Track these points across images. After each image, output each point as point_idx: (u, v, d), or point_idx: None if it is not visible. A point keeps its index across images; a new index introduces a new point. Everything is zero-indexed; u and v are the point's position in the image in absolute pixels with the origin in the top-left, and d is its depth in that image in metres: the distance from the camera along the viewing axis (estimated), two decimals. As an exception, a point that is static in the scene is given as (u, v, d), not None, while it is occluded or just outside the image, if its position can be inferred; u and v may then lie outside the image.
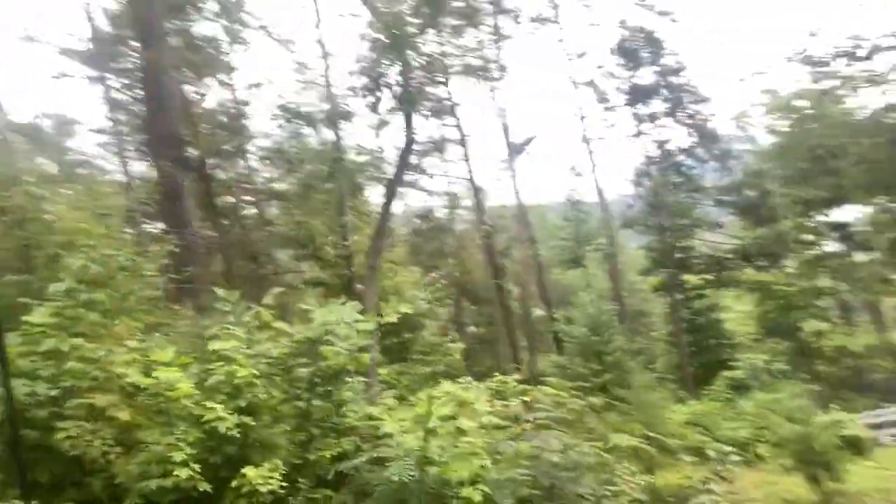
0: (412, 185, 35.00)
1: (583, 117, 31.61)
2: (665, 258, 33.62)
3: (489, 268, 27.94)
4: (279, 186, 24.30)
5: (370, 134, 27.65)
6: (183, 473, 5.60)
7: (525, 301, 33.12)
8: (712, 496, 8.15)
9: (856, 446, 27.56)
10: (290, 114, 23.65)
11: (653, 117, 32.37)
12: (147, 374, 6.42)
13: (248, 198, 31.09)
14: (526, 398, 7.56)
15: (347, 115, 13.15)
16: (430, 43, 11.68)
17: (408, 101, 10.88)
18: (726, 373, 33.57)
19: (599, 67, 33.17)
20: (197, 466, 5.81)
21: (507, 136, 31.91)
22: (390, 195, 11.70)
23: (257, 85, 23.01)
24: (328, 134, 23.18)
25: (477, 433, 6.95)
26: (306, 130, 23.02)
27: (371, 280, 10.11)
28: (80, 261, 7.11)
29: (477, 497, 6.30)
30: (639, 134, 32.49)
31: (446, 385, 8.38)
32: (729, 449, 9.76)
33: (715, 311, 36.48)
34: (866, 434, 29.45)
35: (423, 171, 34.83)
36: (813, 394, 32.03)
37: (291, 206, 16.53)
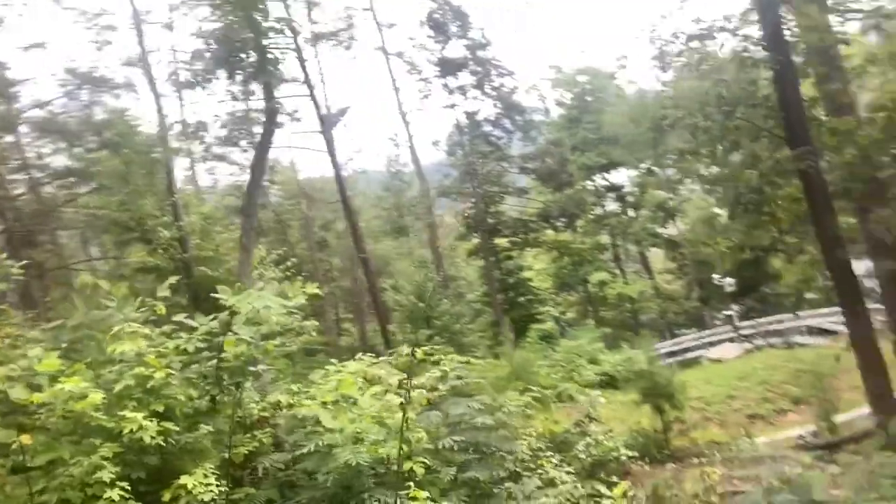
0: (223, 158, 32.82)
1: (397, 88, 31.93)
2: (478, 224, 35.62)
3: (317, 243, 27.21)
4: (72, 163, 21.22)
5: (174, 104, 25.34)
6: (115, 495, 4.91)
7: (351, 272, 33.06)
8: (594, 436, 9.15)
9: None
10: (82, 79, 20.67)
11: (462, 89, 33.71)
12: (34, 388, 5.44)
13: (19, 175, 26.68)
14: (444, 368, 7.73)
15: (203, 81, 11.82)
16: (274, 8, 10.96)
17: (263, 69, 10.17)
18: (535, 326, 36.92)
19: (410, 39, 33.66)
20: (125, 484, 5.13)
21: (324, 106, 31.10)
22: (258, 171, 10.90)
23: (39, 45, 19.58)
24: (130, 103, 20.67)
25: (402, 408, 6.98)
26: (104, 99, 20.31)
27: (245, 262, 9.41)
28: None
29: (419, 469, 6.38)
30: (451, 105, 33.71)
31: (351, 364, 8.27)
32: (597, 393, 10.99)
33: (522, 270, 39.69)
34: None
35: (234, 143, 32.80)
36: (605, 337, 36.66)
37: (105, 185, 14.47)
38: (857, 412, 17.14)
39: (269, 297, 6.33)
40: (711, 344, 38.22)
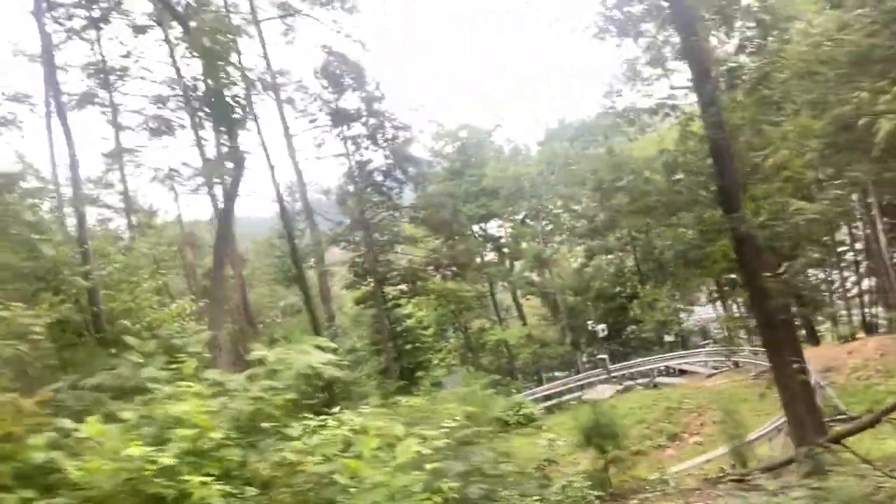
0: (93, 200, 30.37)
1: (290, 135, 31.52)
2: (368, 272, 35.69)
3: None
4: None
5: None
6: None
7: (236, 321, 31.48)
8: (568, 479, 9.66)
9: (532, 420, 33.42)
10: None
11: (355, 140, 34.11)
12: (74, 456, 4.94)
13: None
14: (452, 419, 7.88)
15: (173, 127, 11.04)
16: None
17: (229, 117, 9.95)
18: (423, 373, 37.28)
19: (302, 88, 33.56)
20: (198, 556, 4.79)
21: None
22: (227, 220, 10.43)
23: None
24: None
25: (427, 458, 7.09)
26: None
27: (218, 314, 8.91)
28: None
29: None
30: (344, 154, 33.92)
31: (349, 414, 8.22)
32: (555, 436, 11.53)
33: (410, 318, 40.12)
34: (535, 409, 35.88)
35: (106, 184, 30.57)
36: (494, 383, 37.81)
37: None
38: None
39: (320, 352, 6.26)
40: (584, 386, 40.76)
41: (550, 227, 48.69)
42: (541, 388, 42.46)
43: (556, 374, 47.60)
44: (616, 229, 41.56)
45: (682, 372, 39.86)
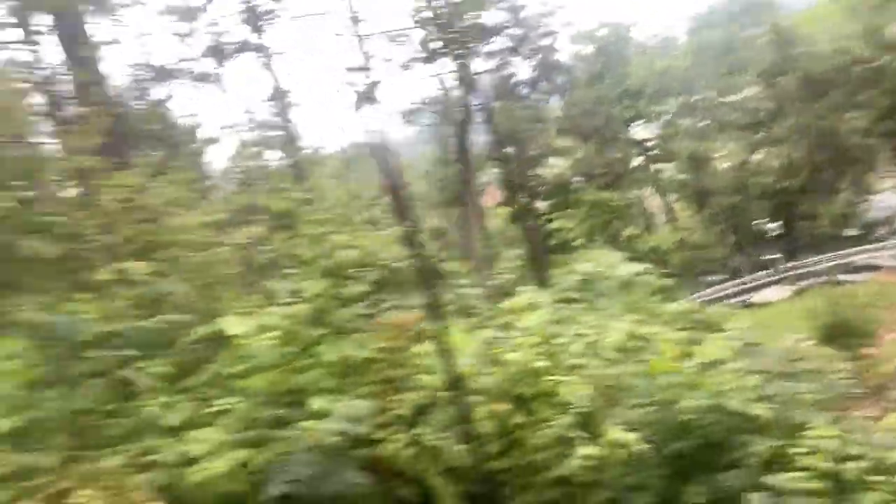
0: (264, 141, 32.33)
1: (437, 56, 31.35)
2: (520, 188, 35.61)
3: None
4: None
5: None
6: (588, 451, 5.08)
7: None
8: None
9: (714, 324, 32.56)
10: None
11: (499, 54, 33.33)
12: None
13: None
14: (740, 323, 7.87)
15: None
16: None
17: (457, 40, 9.94)
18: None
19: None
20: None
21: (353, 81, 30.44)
22: (465, 139, 10.73)
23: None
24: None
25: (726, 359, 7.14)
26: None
27: (475, 227, 9.32)
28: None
29: (767, 413, 6.51)
30: (490, 70, 33.35)
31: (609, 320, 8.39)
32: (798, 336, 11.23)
33: (561, 231, 39.86)
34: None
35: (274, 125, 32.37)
36: (659, 289, 37.01)
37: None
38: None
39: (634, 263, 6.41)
40: (754, 288, 38.89)
41: (704, 122, 45.58)
42: (707, 291, 41.09)
43: (714, 277, 45.74)
44: (784, 118, 38.22)
45: (868, 267, 36.81)
